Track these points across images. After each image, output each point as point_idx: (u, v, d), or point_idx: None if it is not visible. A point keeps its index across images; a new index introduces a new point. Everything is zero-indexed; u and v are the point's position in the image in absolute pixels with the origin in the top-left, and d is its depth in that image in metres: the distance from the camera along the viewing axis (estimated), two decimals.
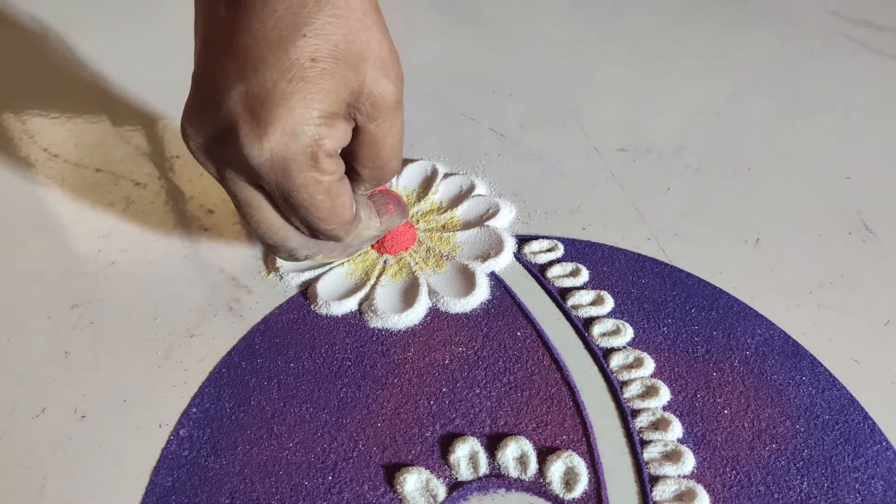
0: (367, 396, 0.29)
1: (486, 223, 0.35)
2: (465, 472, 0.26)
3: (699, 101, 0.46)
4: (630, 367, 0.29)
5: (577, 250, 0.35)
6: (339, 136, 0.25)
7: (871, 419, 0.27)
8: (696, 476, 0.26)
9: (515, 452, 0.27)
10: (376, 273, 0.33)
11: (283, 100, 0.23)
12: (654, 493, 0.25)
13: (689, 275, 0.33)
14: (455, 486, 0.26)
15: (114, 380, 0.29)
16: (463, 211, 0.37)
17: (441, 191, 0.38)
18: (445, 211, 0.37)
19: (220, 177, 0.27)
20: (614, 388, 0.29)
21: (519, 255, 0.34)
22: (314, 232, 0.28)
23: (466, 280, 0.33)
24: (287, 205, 0.26)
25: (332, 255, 0.31)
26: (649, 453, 0.26)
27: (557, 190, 0.39)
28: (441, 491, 0.26)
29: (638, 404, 0.28)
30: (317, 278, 0.33)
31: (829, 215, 0.37)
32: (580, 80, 0.48)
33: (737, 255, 0.34)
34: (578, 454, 0.26)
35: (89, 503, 0.26)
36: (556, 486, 0.26)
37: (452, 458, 0.26)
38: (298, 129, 0.23)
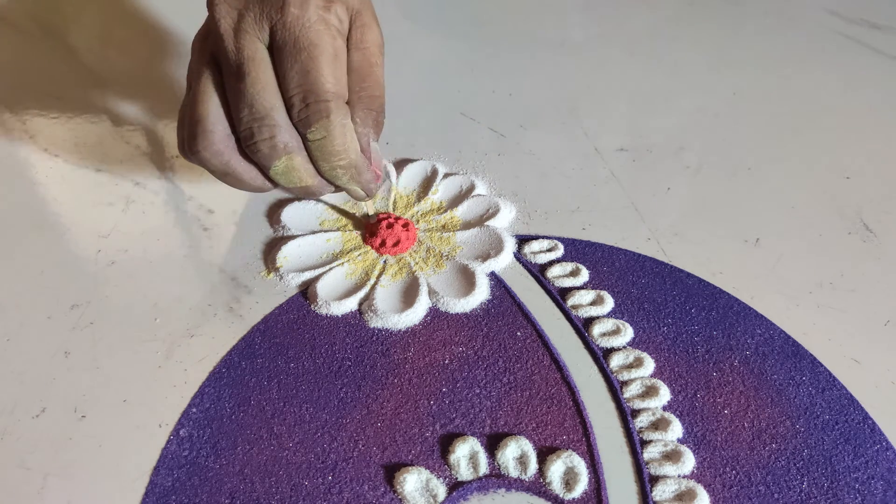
0: (367, 396, 0.29)
1: (486, 223, 0.35)
2: (465, 472, 0.26)
3: (699, 101, 0.46)
4: (630, 367, 0.29)
5: (577, 250, 0.35)
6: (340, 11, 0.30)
7: (871, 419, 0.27)
8: (696, 476, 0.26)
9: (515, 452, 0.27)
10: (376, 273, 0.33)
11: None
12: (654, 493, 0.25)
13: (689, 275, 0.33)
14: (455, 486, 0.26)
15: (114, 380, 0.29)
16: (463, 211, 0.37)
17: (441, 191, 0.38)
18: (445, 211, 0.37)
19: (236, 28, 0.29)
20: (614, 388, 0.29)
21: (519, 255, 0.34)
22: (308, 96, 0.28)
23: (466, 280, 0.33)
24: (294, 50, 0.28)
25: (305, 170, 0.30)
26: (649, 453, 0.26)
27: (557, 190, 0.38)
28: (441, 491, 0.26)
29: (638, 404, 0.28)
30: (317, 278, 0.33)
31: (829, 215, 0.37)
32: (580, 80, 0.48)
33: (737, 255, 0.34)
34: (578, 454, 0.26)
35: (89, 503, 0.25)
36: (556, 486, 0.26)
37: (452, 458, 0.26)
38: None
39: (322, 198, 0.37)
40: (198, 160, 0.30)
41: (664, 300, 0.32)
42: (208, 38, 0.30)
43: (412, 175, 0.39)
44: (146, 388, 0.29)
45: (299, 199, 0.37)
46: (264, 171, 0.30)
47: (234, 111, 0.29)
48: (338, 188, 0.32)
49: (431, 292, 0.32)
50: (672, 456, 0.26)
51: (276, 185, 0.31)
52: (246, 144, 0.29)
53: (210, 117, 0.29)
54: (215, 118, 0.29)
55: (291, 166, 0.30)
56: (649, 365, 0.29)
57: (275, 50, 0.29)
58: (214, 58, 0.30)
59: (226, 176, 0.30)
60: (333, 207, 0.37)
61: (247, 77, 0.28)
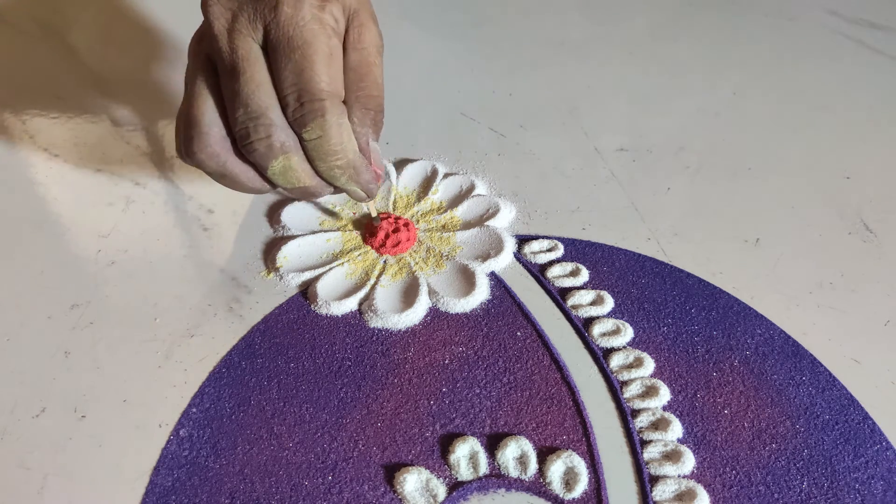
0: (367, 396, 0.29)
1: (486, 223, 0.35)
2: (465, 472, 0.26)
3: (699, 101, 0.46)
4: (630, 367, 0.29)
5: (577, 250, 0.35)
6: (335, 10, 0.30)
7: (871, 419, 0.27)
8: (696, 476, 0.26)
9: (515, 452, 0.27)
10: (376, 273, 0.33)
11: None
12: (654, 493, 0.25)
13: (689, 275, 0.33)
14: (455, 486, 0.26)
15: (114, 380, 0.29)
16: (463, 211, 0.37)
17: (441, 191, 0.38)
18: (445, 211, 0.37)
19: (230, 28, 0.28)
20: (614, 388, 0.29)
21: (519, 255, 0.34)
22: (302, 95, 0.28)
23: (466, 280, 0.33)
24: (288, 49, 0.28)
25: (303, 170, 0.30)
26: (649, 453, 0.26)
27: (557, 190, 0.38)
28: (441, 491, 0.26)
29: (638, 404, 0.28)
30: (317, 278, 0.33)
31: (829, 215, 0.37)
32: (580, 80, 0.48)
33: (737, 255, 0.34)
34: (578, 454, 0.26)
35: (89, 503, 0.26)
36: (556, 486, 0.26)
37: (452, 458, 0.26)
38: None
39: (321, 200, 0.37)
40: (194, 162, 0.30)
41: (664, 300, 0.32)
42: (203, 40, 0.30)
43: (412, 175, 0.39)
44: (146, 388, 0.29)
45: (300, 200, 0.37)
46: (262, 172, 0.30)
47: (230, 111, 0.29)
48: (337, 189, 0.32)
49: (431, 292, 0.32)
50: (672, 456, 0.26)
51: (274, 186, 0.31)
52: (242, 144, 0.29)
53: (205, 119, 0.29)
54: (210, 120, 0.29)
55: (289, 166, 0.29)
56: (649, 365, 0.29)
57: (269, 49, 0.29)
58: (210, 60, 0.30)
59: (223, 178, 0.30)
60: (327, 211, 0.37)
61: (241, 76, 0.28)
